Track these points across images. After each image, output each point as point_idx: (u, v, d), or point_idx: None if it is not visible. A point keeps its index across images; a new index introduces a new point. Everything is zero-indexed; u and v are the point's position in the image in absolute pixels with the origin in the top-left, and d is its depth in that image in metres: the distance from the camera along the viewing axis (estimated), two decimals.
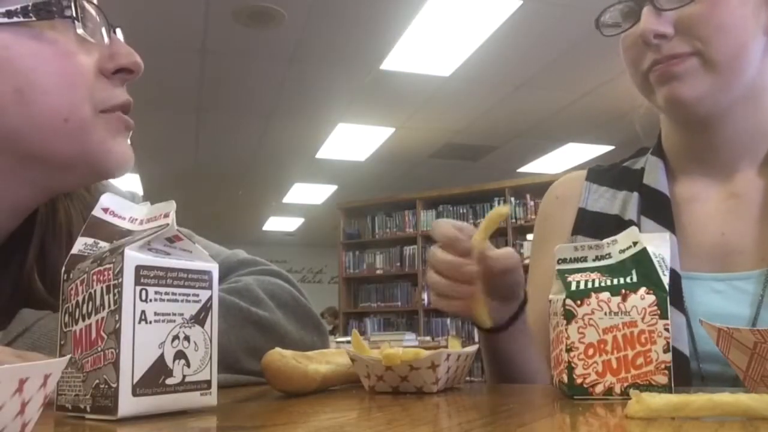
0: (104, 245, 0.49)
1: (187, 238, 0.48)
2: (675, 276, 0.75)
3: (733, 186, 0.80)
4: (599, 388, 0.51)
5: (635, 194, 0.84)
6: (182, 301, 0.46)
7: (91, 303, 0.45)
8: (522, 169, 7.07)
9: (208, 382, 0.47)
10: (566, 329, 0.52)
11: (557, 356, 0.55)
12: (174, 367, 0.45)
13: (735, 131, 0.78)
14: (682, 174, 0.84)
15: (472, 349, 0.63)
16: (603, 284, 0.53)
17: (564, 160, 6.78)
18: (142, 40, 3.70)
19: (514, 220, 5.71)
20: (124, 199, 0.52)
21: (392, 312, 6.36)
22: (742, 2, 0.73)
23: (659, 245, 0.56)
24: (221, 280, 0.74)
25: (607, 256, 0.56)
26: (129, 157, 0.66)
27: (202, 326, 0.47)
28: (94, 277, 0.45)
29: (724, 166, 0.81)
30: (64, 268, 0.48)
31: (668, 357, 0.51)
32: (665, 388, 0.50)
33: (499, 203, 5.83)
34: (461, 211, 6.01)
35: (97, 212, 0.51)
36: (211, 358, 0.48)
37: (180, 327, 0.46)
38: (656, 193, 0.82)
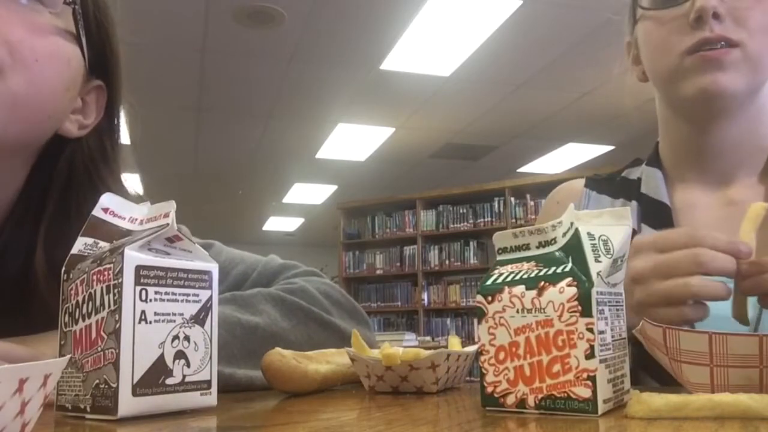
0: (104, 245, 0.49)
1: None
2: None
3: (730, 194, 0.81)
4: (510, 399, 0.44)
5: (634, 203, 0.85)
6: (182, 301, 0.46)
7: (91, 303, 0.45)
8: (522, 169, 7.07)
9: (208, 382, 0.47)
10: (478, 330, 0.45)
11: None
12: (174, 367, 0.45)
13: (738, 139, 0.80)
14: (680, 182, 0.85)
15: (472, 349, 0.63)
16: (521, 276, 0.45)
17: (564, 160, 6.78)
18: (142, 40, 3.69)
19: (514, 220, 5.71)
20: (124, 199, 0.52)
21: (392, 312, 6.36)
22: None
23: (607, 224, 0.47)
24: (269, 283, 0.77)
25: (552, 242, 0.46)
26: None
27: (202, 326, 0.47)
28: (94, 277, 0.45)
29: (723, 174, 0.82)
30: (64, 268, 0.48)
31: (592, 364, 0.41)
32: (587, 403, 0.41)
33: (499, 203, 5.83)
34: (461, 211, 6.01)
35: (97, 212, 0.51)
36: (211, 358, 0.48)
37: (180, 327, 0.46)
38: (656, 203, 0.83)
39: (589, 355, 0.41)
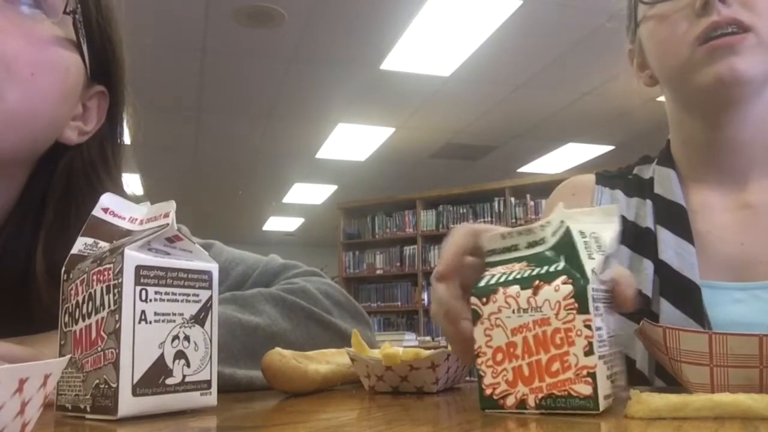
0: (104, 245, 0.49)
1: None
2: (695, 288, 0.74)
3: (746, 196, 0.80)
4: (510, 401, 0.43)
5: (648, 202, 0.83)
6: (182, 301, 0.46)
7: (91, 303, 0.45)
8: (522, 169, 7.07)
9: (208, 382, 0.47)
10: (474, 332, 0.45)
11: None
12: (174, 367, 0.45)
13: (752, 132, 0.78)
14: (694, 183, 0.83)
15: None
16: (515, 277, 0.44)
17: (564, 160, 6.78)
18: (142, 40, 3.70)
19: (514, 220, 5.71)
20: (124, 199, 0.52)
21: (392, 312, 6.36)
22: None
23: (597, 221, 0.47)
24: (269, 283, 0.77)
25: (541, 242, 0.46)
26: None
27: (202, 326, 0.47)
28: (94, 277, 0.45)
29: (737, 174, 0.80)
30: (64, 268, 0.48)
31: (591, 361, 0.41)
32: (589, 400, 0.41)
33: (499, 203, 5.83)
34: (461, 211, 6.01)
35: (97, 212, 0.51)
36: (211, 358, 0.48)
37: (180, 327, 0.46)
38: (670, 204, 0.81)
39: (588, 351, 0.41)
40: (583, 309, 0.41)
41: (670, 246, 0.77)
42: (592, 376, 0.41)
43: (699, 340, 0.46)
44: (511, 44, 4.12)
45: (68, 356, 0.44)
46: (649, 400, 0.39)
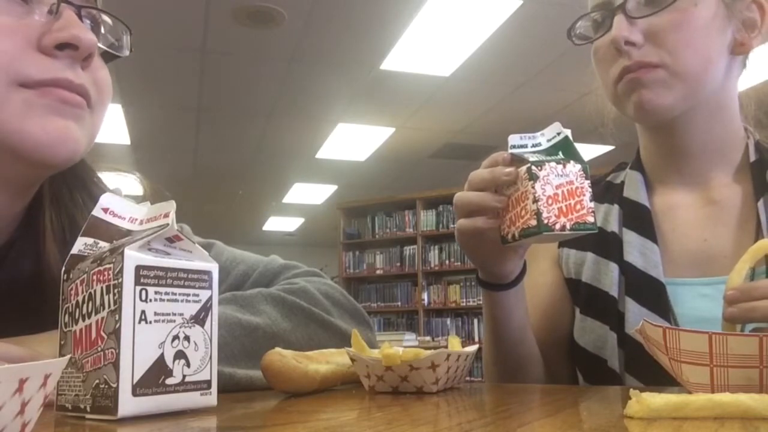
0: (104, 245, 0.49)
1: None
2: (659, 285, 0.77)
3: (710, 193, 0.83)
4: (558, 225, 0.62)
5: (615, 206, 0.87)
6: (182, 301, 0.46)
7: (91, 303, 0.45)
8: None
9: (208, 382, 0.47)
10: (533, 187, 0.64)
11: (520, 211, 0.65)
12: (174, 367, 0.45)
13: (704, 139, 0.82)
14: (661, 185, 0.87)
15: (472, 349, 0.63)
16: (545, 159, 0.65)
17: None
18: (142, 40, 3.69)
19: None
20: (125, 199, 0.53)
21: (392, 312, 6.36)
22: (709, 19, 0.76)
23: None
24: (270, 283, 0.78)
25: (538, 145, 0.69)
26: (55, 138, 0.56)
27: (202, 326, 0.47)
28: (94, 277, 0.45)
29: (699, 174, 0.84)
30: (64, 268, 0.48)
31: (593, 204, 0.63)
32: (594, 226, 0.63)
33: None
34: None
35: (97, 212, 0.51)
36: (211, 358, 0.48)
37: (180, 327, 0.46)
38: (636, 205, 0.85)
39: (591, 199, 0.64)
40: (587, 177, 0.64)
41: (634, 247, 0.81)
42: (594, 212, 0.63)
43: (699, 340, 0.46)
44: (511, 44, 4.12)
45: (68, 356, 0.44)
46: (649, 400, 0.39)
